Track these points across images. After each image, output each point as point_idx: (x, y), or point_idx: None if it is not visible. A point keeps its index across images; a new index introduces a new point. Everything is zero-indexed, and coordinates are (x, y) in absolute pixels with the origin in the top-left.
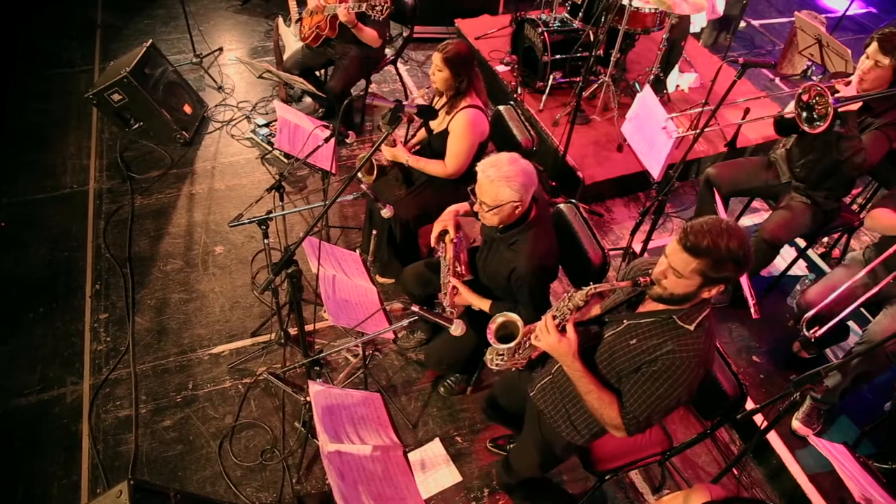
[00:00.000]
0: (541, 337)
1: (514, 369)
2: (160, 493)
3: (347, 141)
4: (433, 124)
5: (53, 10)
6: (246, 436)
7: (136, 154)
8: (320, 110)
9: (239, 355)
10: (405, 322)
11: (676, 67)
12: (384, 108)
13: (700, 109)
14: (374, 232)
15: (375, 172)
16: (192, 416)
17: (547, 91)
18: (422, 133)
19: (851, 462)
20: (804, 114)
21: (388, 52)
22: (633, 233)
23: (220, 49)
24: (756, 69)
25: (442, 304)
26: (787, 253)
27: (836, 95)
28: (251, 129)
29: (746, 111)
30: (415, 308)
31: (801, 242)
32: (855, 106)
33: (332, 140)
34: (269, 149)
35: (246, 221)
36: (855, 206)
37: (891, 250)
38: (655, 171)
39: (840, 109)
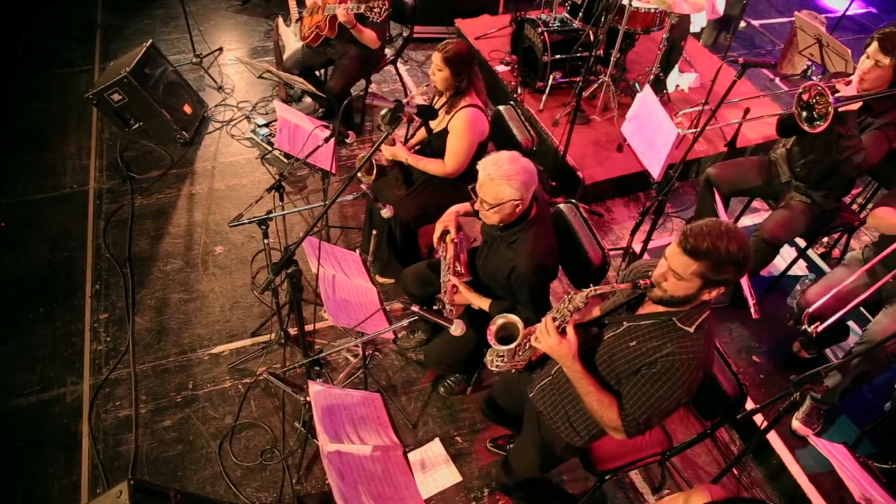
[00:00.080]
0: (541, 338)
1: (513, 371)
2: (160, 493)
3: (347, 141)
4: (433, 123)
5: (53, 10)
6: (246, 436)
7: (136, 154)
8: (320, 110)
9: (239, 355)
10: (405, 322)
11: (676, 67)
12: (384, 107)
13: (700, 108)
14: (374, 232)
15: (375, 172)
16: (192, 416)
17: (547, 91)
18: (422, 132)
19: (851, 462)
20: (804, 113)
21: (388, 52)
22: (633, 233)
23: (220, 49)
24: (756, 69)
25: (442, 301)
26: (787, 253)
27: (837, 95)
28: (251, 129)
29: (746, 111)
30: (415, 308)
31: (801, 242)
32: (855, 106)
33: (332, 140)
34: (269, 149)
35: (246, 221)
36: (855, 206)
37: (889, 249)
38: (655, 171)
39: (840, 109)
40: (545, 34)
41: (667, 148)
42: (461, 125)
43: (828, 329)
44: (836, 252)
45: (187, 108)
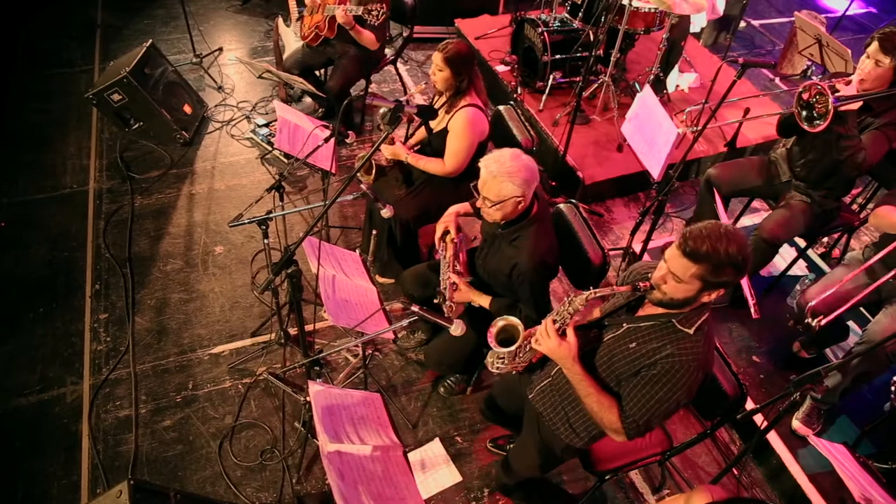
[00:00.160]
0: (541, 340)
1: (514, 372)
2: (160, 493)
3: (347, 141)
4: (433, 123)
5: (53, 10)
6: (246, 436)
7: (136, 154)
8: (320, 110)
9: (239, 355)
10: (405, 322)
11: (676, 67)
12: (384, 107)
13: (700, 107)
14: (374, 232)
15: (375, 172)
16: (192, 416)
17: (547, 91)
18: (421, 132)
19: (851, 462)
20: (804, 112)
21: (388, 52)
22: (633, 233)
23: (220, 49)
24: (756, 69)
25: (443, 294)
26: (787, 253)
27: (837, 95)
28: (251, 129)
29: (746, 111)
30: (415, 308)
31: (801, 242)
32: (855, 105)
33: (332, 140)
34: (269, 149)
35: (246, 221)
36: (855, 206)
37: (889, 248)
38: (655, 171)
39: (840, 109)
40: (545, 34)
41: (667, 148)
42: (461, 125)
43: (828, 329)
44: (836, 252)
45: (187, 108)
